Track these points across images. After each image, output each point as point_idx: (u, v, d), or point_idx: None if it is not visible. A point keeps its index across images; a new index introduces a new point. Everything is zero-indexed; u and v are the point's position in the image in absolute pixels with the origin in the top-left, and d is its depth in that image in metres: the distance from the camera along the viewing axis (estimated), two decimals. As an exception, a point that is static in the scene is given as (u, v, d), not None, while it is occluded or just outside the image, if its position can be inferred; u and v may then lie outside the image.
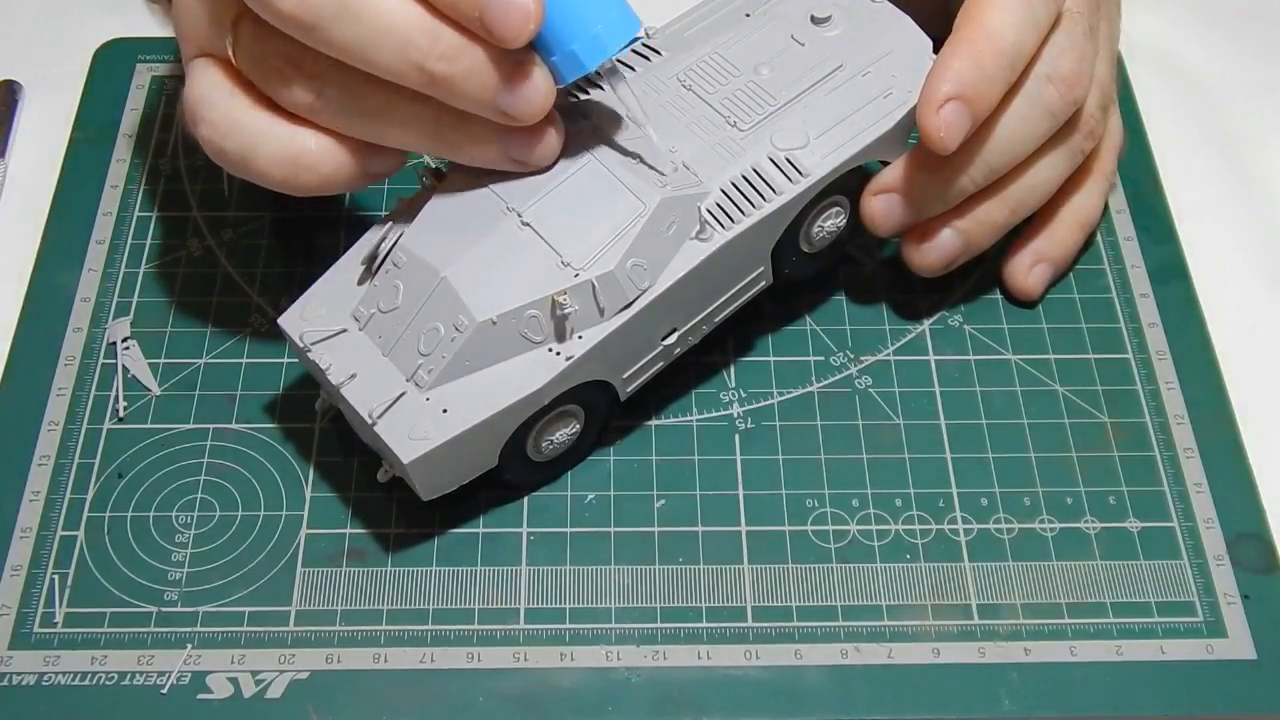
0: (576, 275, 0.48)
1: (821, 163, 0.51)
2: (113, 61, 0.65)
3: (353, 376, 0.48)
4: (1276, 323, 0.58)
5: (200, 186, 0.61)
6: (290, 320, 0.50)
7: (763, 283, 0.53)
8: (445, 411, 0.47)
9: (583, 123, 0.51)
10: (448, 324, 0.47)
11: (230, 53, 0.49)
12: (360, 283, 0.50)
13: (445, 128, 0.48)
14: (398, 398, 0.47)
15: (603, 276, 0.48)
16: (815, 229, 0.53)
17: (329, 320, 0.50)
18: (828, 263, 0.55)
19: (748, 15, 0.55)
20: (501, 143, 0.49)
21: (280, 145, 0.49)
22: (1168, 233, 0.60)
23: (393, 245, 0.49)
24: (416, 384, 0.48)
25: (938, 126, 0.50)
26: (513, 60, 0.47)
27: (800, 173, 0.51)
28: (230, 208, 0.60)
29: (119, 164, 0.62)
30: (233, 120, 0.49)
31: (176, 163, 0.62)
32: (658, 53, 0.54)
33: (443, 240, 0.49)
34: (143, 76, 0.65)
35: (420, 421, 0.47)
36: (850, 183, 0.53)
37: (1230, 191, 0.63)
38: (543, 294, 0.47)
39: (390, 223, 0.50)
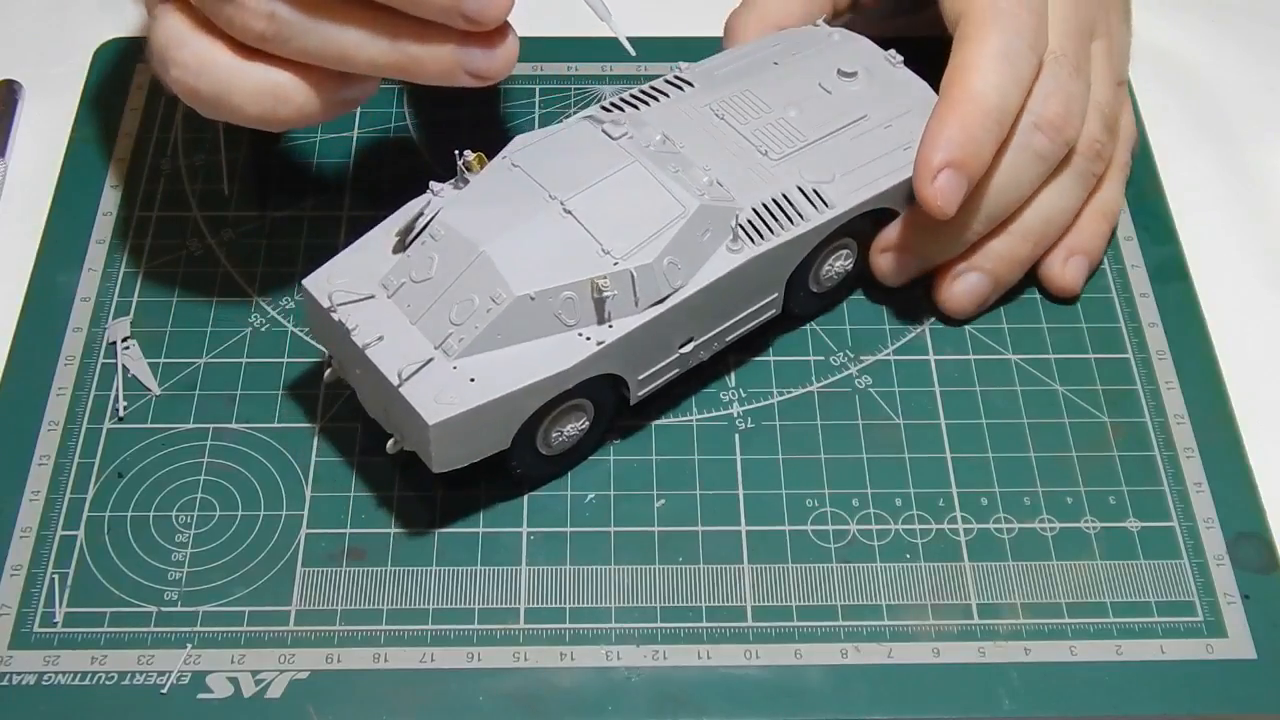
0: (616, 264, 0.49)
1: (846, 198, 0.53)
2: (113, 61, 0.65)
3: (379, 339, 0.48)
4: (1276, 323, 0.58)
5: (200, 186, 0.61)
6: (315, 282, 0.50)
7: (772, 310, 0.54)
8: (473, 380, 0.48)
9: (626, 131, 0.52)
10: (484, 296, 0.48)
11: None
12: (393, 253, 0.50)
13: (403, 42, 0.48)
14: (426, 362, 0.48)
15: (641, 268, 0.49)
16: (825, 269, 0.55)
17: (354, 287, 0.50)
18: (830, 303, 0.57)
19: (776, 64, 0.57)
20: (460, 54, 0.49)
21: (255, 79, 0.48)
22: (1168, 233, 0.60)
23: (431, 219, 0.50)
24: (445, 352, 0.48)
25: (934, 195, 0.51)
26: None
27: (826, 204, 0.53)
28: (230, 208, 0.60)
29: (119, 164, 0.62)
30: (204, 60, 0.49)
31: (176, 163, 0.62)
32: (690, 84, 0.56)
33: (483, 218, 0.49)
34: (143, 76, 0.65)
35: (447, 387, 0.47)
36: (861, 227, 0.54)
37: (1230, 191, 0.63)
38: (581, 277, 0.48)
39: (428, 199, 0.51)
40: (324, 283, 0.50)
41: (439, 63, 0.49)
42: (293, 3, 0.47)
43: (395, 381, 0.47)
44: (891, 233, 0.55)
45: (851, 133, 0.55)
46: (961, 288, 0.56)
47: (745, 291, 0.52)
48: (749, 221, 0.51)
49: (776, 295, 0.54)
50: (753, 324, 0.54)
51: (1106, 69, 0.57)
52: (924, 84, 0.57)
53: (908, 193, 0.54)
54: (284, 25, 0.47)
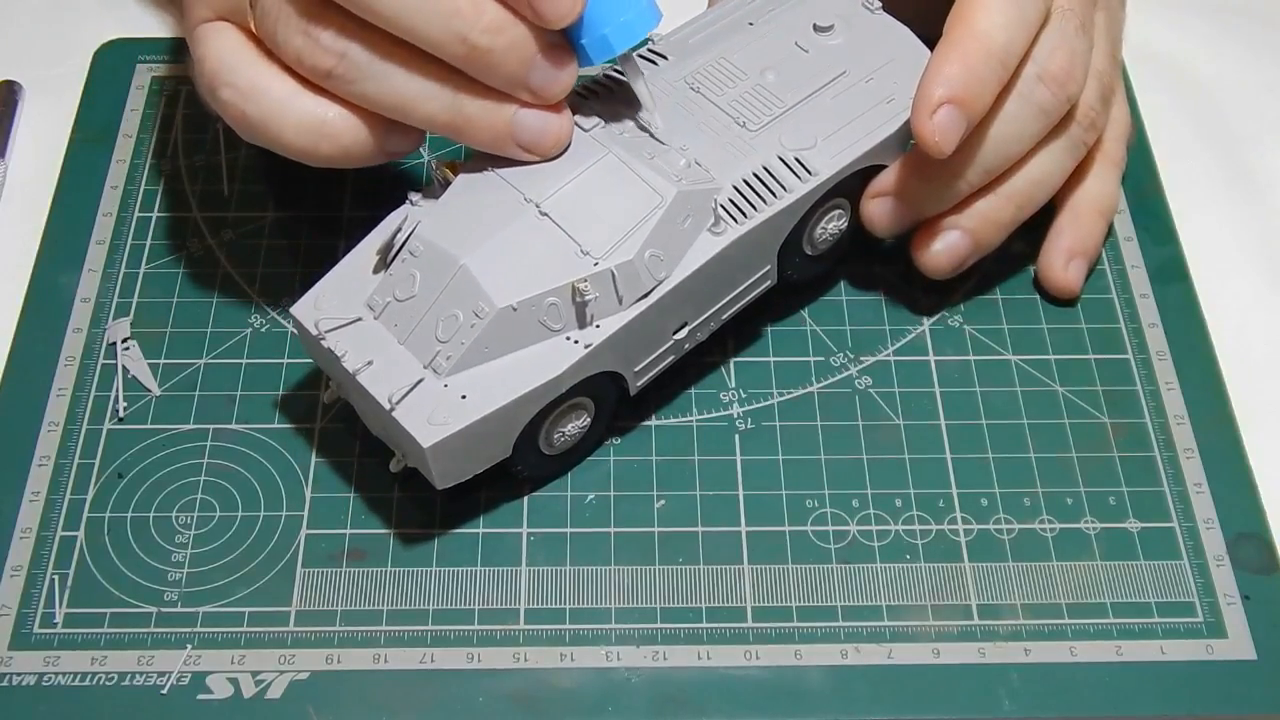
0: (596, 264, 0.48)
1: (829, 163, 0.52)
2: (113, 62, 0.65)
3: (369, 363, 0.48)
4: (1276, 323, 0.58)
5: (200, 186, 0.61)
6: (303, 309, 0.50)
7: (768, 282, 0.53)
8: (464, 398, 0.47)
9: (597, 120, 0.51)
10: (467, 311, 0.48)
11: (249, 14, 0.49)
12: (375, 272, 0.50)
13: (462, 103, 0.49)
14: (416, 383, 0.47)
15: (622, 265, 0.48)
16: (818, 231, 0.54)
17: (342, 310, 0.50)
18: (829, 265, 0.56)
19: (751, 24, 0.56)
20: (513, 125, 0.49)
21: (304, 113, 0.49)
22: (1168, 233, 0.60)
23: (409, 235, 0.49)
24: (435, 371, 0.48)
25: (932, 131, 0.50)
26: (548, 40, 0.48)
27: (809, 172, 0.52)
28: (230, 208, 0.60)
29: (119, 164, 0.62)
30: (257, 86, 0.49)
31: (176, 163, 0.62)
32: (664, 57, 0.55)
33: (461, 230, 0.49)
34: (143, 77, 0.65)
35: (439, 407, 0.47)
36: (852, 186, 0.53)
37: (1230, 191, 0.63)
38: (562, 282, 0.48)
39: (405, 213, 0.50)
40: (311, 309, 0.50)
41: (491, 130, 0.49)
42: (366, 46, 0.48)
43: (387, 406, 0.47)
44: (884, 180, 0.54)
45: (832, 91, 0.53)
46: (941, 245, 0.55)
47: (735, 270, 0.52)
48: (730, 200, 0.50)
49: (769, 267, 0.53)
50: (749, 298, 0.53)
51: (1105, 40, 0.57)
52: (904, 29, 0.55)
53: (896, 146, 0.53)
54: (352, 67, 0.48)
